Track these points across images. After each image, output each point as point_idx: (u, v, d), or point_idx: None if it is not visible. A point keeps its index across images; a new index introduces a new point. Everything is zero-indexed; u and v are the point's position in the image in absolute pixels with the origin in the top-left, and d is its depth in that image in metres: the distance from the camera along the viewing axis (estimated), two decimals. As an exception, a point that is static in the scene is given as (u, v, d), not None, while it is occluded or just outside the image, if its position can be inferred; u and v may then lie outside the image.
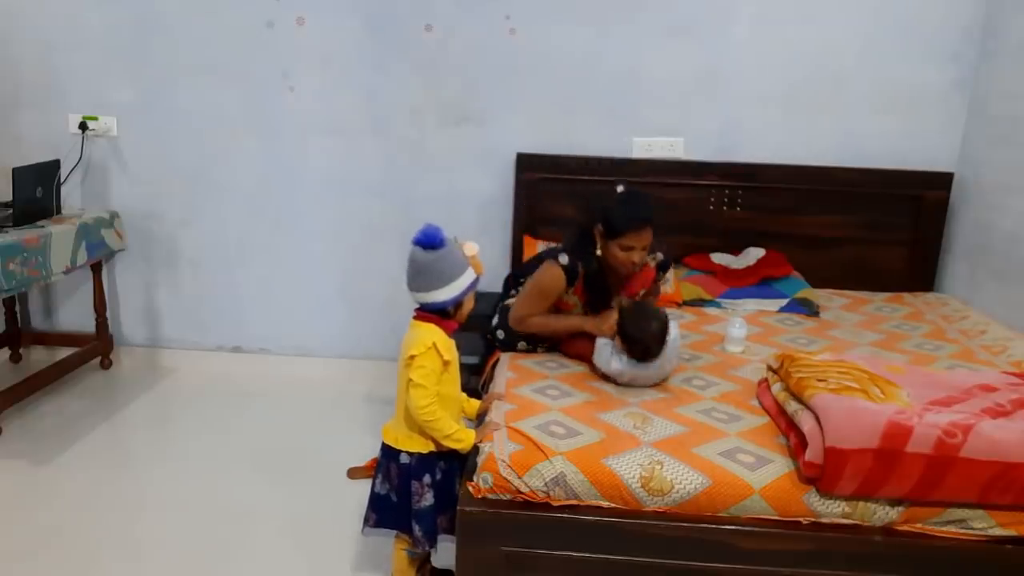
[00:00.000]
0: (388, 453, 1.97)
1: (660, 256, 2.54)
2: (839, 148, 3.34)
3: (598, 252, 2.37)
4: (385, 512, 1.98)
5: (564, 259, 2.40)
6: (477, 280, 1.95)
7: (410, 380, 1.85)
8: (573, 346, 2.46)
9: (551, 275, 2.42)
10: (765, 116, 3.34)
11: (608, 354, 2.24)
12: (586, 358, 2.37)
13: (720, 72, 3.31)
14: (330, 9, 3.32)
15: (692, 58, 3.30)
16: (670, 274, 3.13)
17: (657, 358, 2.20)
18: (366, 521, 2.02)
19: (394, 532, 2.02)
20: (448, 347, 1.91)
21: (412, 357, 1.85)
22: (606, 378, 2.27)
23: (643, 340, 2.17)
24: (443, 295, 1.87)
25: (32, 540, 2.37)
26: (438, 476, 1.94)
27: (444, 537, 1.94)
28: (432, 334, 1.88)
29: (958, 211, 3.32)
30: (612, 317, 2.28)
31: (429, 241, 1.85)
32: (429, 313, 1.92)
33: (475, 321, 2.90)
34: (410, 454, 1.92)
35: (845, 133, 3.34)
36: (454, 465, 1.96)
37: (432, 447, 1.93)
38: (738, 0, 3.25)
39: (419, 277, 1.88)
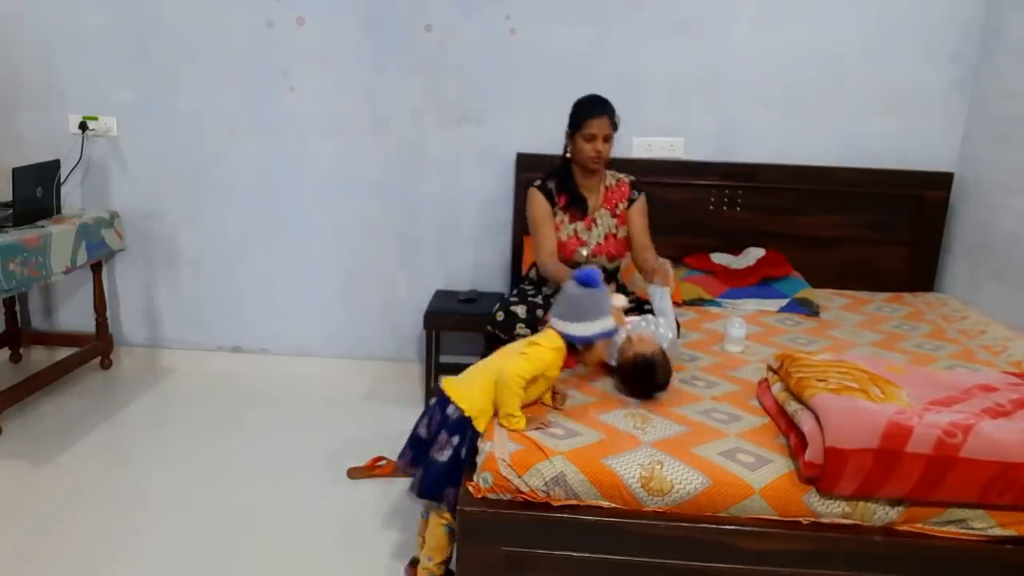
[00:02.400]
0: (443, 401, 2.01)
1: (632, 177, 2.80)
2: (839, 148, 3.34)
3: (568, 154, 2.69)
4: (419, 453, 2.04)
5: (537, 182, 2.73)
6: (614, 331, 2.07)
7: (523, 353, 1.98)
8: (571, 249, 2.67)
9: (532, 198, 2.72)
10: (765, 116, 3.34)
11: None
12: None
13: (720, 72, 3.32)
14: (330, 9, 3.32)
15: (692, 58, 3.30)
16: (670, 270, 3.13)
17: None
18: (401, 455, 2.09)
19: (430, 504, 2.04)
20: (556, 367, 2.03)
21: (531, 344, 2.01)
22: None
23: (645, 394, 2.14)
24: (576, 330, 2.02)
25: (32, 540, 2.37)
26: (466, 443, 1.96)
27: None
28: (557, 342, 2.03)
29: (958, 211, 3.32)
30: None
31: (583, 280, 2.03)
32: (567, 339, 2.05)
33: (476, 321, 2.93)
34: (458, 409, 1.97)
35: (845, 133, 3.34)
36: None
37: (475, 415, 1.96)
38: (738, 0, 3.25)
39: (562, 307, 2.05)
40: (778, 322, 2.95)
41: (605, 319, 2.02)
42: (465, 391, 2.00)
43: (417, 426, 2.08)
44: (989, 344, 2.65)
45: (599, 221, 2.72)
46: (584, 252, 2.67)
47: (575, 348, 2.05)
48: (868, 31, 3.25)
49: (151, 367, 3.72)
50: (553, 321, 2.05)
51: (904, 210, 3.33)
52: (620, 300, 2.08)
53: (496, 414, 1.97)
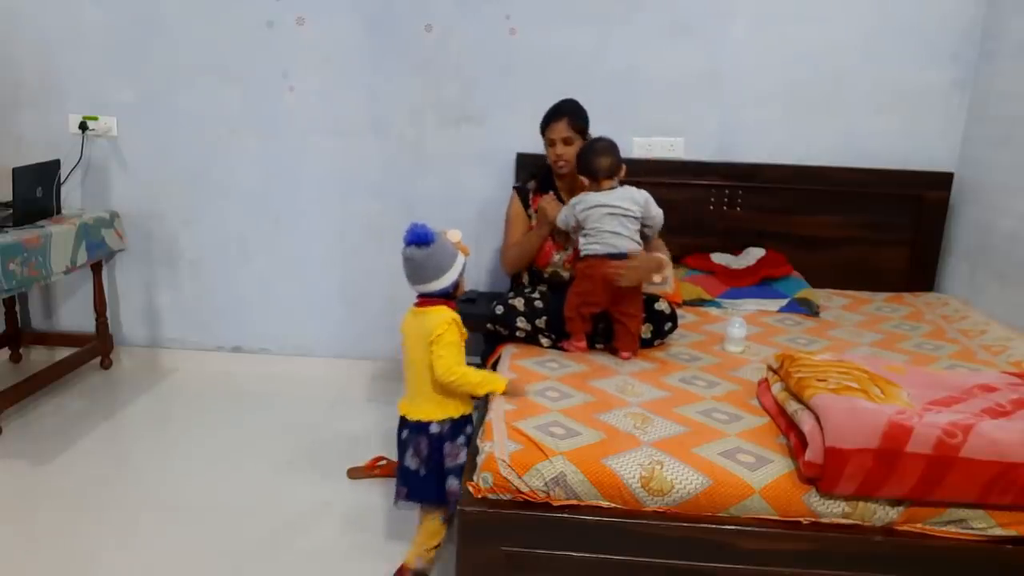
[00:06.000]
0: (416, 428, 2.10)
1: None
2: (839, 148, 3.34)
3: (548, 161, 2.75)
4: (416, 485, 2.12)
5: (517, 183, 2.87)
6: (464, 262, 2.16)
7: (444, 356, 2.02)
8: (547, 256, 2.72)
9: (510, 200, 2.83)
10: (765, 116, 3.34)
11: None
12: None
13: (720, 72, 3.32)
14: (330, 9, 3.32)
15: (692, 58, 3.30)
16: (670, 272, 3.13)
17: (600, 180, 2.48)
18: (398, 495, 2.16)
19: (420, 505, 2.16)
20: (457, 325, 2.10)
21: (438, 336, 2.03)
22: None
23: (594, 171, 2.47)
24: (445, 282, 2.09)
25: (32, 540, 2.37)
26: (470, 433, 2.12)
27: None
28: (447, 313, 2.08)
29: (958, 211, 3.32)
30: (550, 205, 2.65)
31: (422, 240, 2.04)
32: (434, 298, 2.11)
33: (475, 321, 2.93)
34: (440, 423, 2.08)
35: (845, 133, 3.34)
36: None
37: (463, 411, 2.11)
38: (738, 0, 3.25)
39: (421, 272, 2.07)
40: (778, 322, 2.95)
41: (457, 260, 2.11)
42: (435, 405, 2.09)
43: (402, 461, 2.14)
44: (989, 344, 2.65)
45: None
46: (557, 258, 2.68)
47: (450, 295, 2.13)
48: (868, 31, 3.25)
49: (151, 367, 3.72)
50: (420, 288, 2.10)
51: (904, 210, 3.33)
52: (455, 235, 2.14)
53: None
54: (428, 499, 2.12)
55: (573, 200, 2.53)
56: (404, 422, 2.13)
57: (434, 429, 2.08)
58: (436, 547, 2.18)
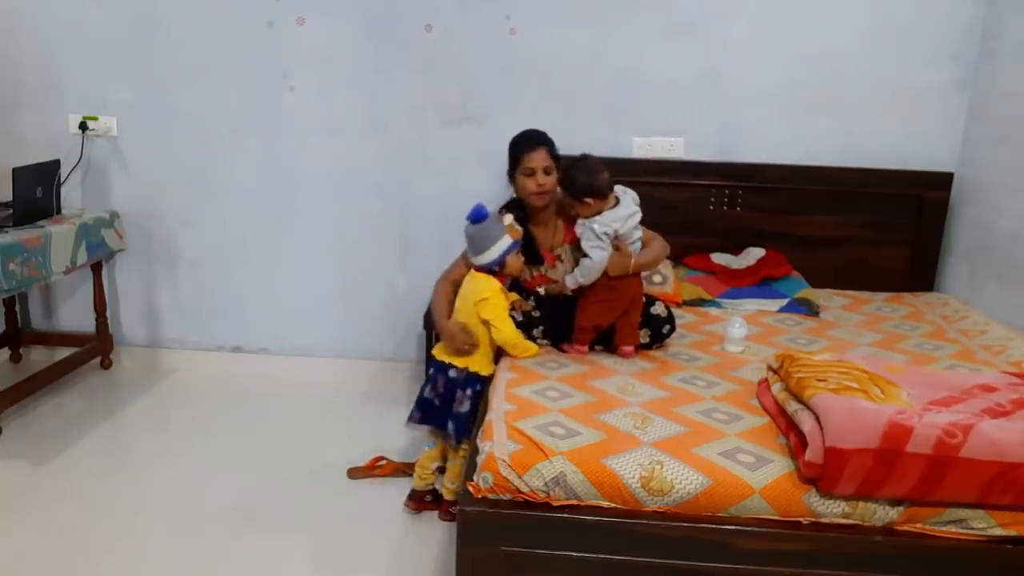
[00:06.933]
0: (440, 367, 2.42)
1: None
2: (839, 148, 3.34)
3: (515, 194, 2.64)
4: (428, 412, 2.45)
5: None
6: (515, 243, 2.38)
7: (492, 319, 2.34)
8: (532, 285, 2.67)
9: None
10: (765, 116, 3.34)
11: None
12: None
13: (720, 72, 3.31)
14: (330, 9, 3.32)
15: (692, 58, 3.30)
16: (670, 271, 3.13)
17: (607, 195, 2.45)
18: (411, 418, 2.47)
19: (428, 427, 2.49)
20: (503, 293, 2.42)
21: (484, 299, 2.35)
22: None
23: (600, 188, 2.43)
24: (488, 257, 2.36)
25: (32, 540, 2.37)
26: (477, 389, 2.38)
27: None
28: (493, 281, 2.39)
29: (958, 211, 3.32)
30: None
31: (473, 216, 2.35)
32: (484, 270, 2.40)
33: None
34: (458, 370, 2.38)
35: (845, 133, 3.34)
36: (486, 388, 2.37)
37: (478, 368, 2.38)
38: (738, 0, 3.25)
39: (471, 244, 2.39)
40: (778, 322, 2.95)
41: (502, 240, 2.34)
42: (455, 354, 2.39)
43: (422, 391, 2.46)
44: (989, 344, 2.65)
45: (564, 256, 2.62)
46: (541, 291, 2.64)
47: (494, 271, 2.39)
48: (868, 31, 3.25)
49: (151, 367, 3.72)
50: (472, 261, 2.40)
51: (904, 210, 3.33)
52: (508, 218, 2.39)
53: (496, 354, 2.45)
54: (435, 424, 2.44)
55: (599, 228, 2.40)
56: (435, 360, 2.45)
57: (452, 374, 2.39)
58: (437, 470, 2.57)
